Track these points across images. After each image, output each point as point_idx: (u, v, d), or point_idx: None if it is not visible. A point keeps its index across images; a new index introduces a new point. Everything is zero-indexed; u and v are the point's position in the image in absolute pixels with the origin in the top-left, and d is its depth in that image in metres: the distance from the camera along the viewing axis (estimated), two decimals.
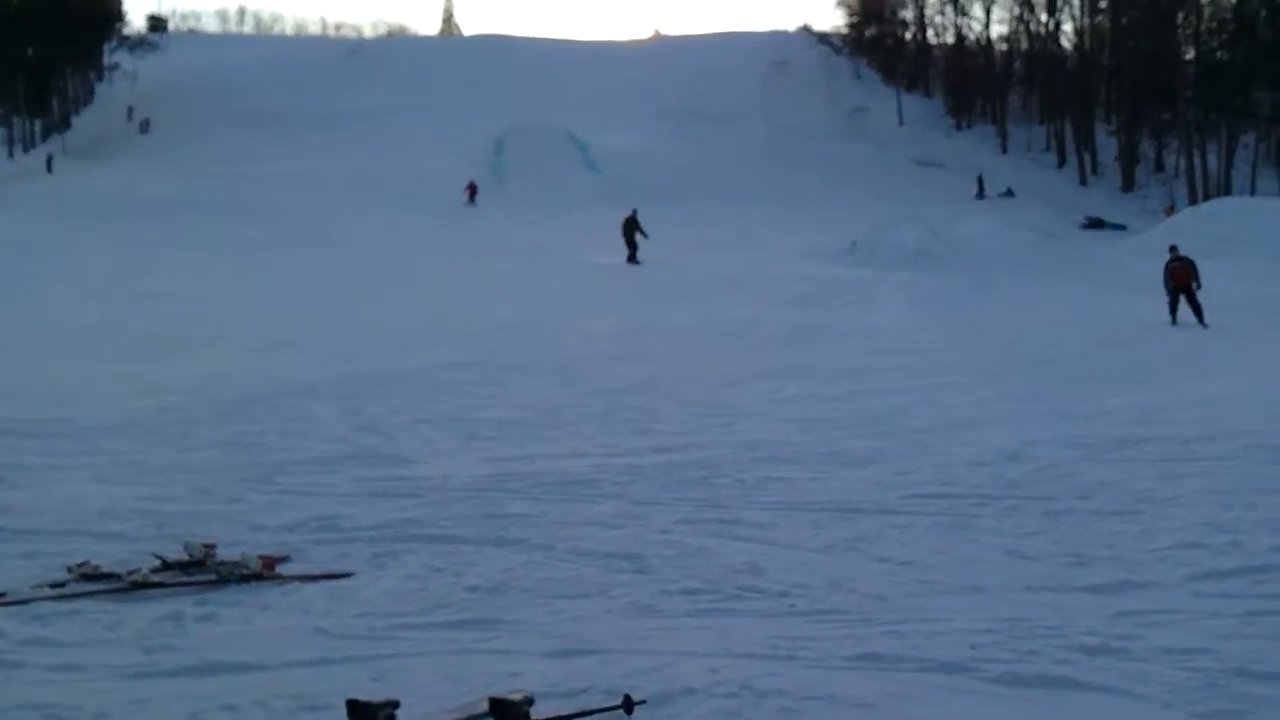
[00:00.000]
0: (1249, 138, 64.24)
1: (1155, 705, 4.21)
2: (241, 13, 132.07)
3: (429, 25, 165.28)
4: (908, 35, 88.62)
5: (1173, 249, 21.12)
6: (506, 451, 9.17)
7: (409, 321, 18.81)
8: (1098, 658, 4.62)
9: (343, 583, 5.78)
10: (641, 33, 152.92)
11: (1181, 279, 20.10)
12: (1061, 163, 70.82)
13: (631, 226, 29.67)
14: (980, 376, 13.54)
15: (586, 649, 4.76)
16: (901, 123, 77.38)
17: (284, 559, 6.13)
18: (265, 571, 5.84)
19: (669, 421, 10.65)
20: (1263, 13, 65.59)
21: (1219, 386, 12.85)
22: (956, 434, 9.81)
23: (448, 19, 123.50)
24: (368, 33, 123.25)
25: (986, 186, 59.82)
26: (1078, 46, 74.92)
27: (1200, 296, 19.76)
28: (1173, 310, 19.97)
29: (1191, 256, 20.50)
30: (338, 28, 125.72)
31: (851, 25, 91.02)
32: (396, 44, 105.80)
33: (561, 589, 5.62)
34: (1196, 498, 7.44)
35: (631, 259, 29.03)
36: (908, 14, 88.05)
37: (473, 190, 47.70)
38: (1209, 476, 8.07)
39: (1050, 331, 18.10)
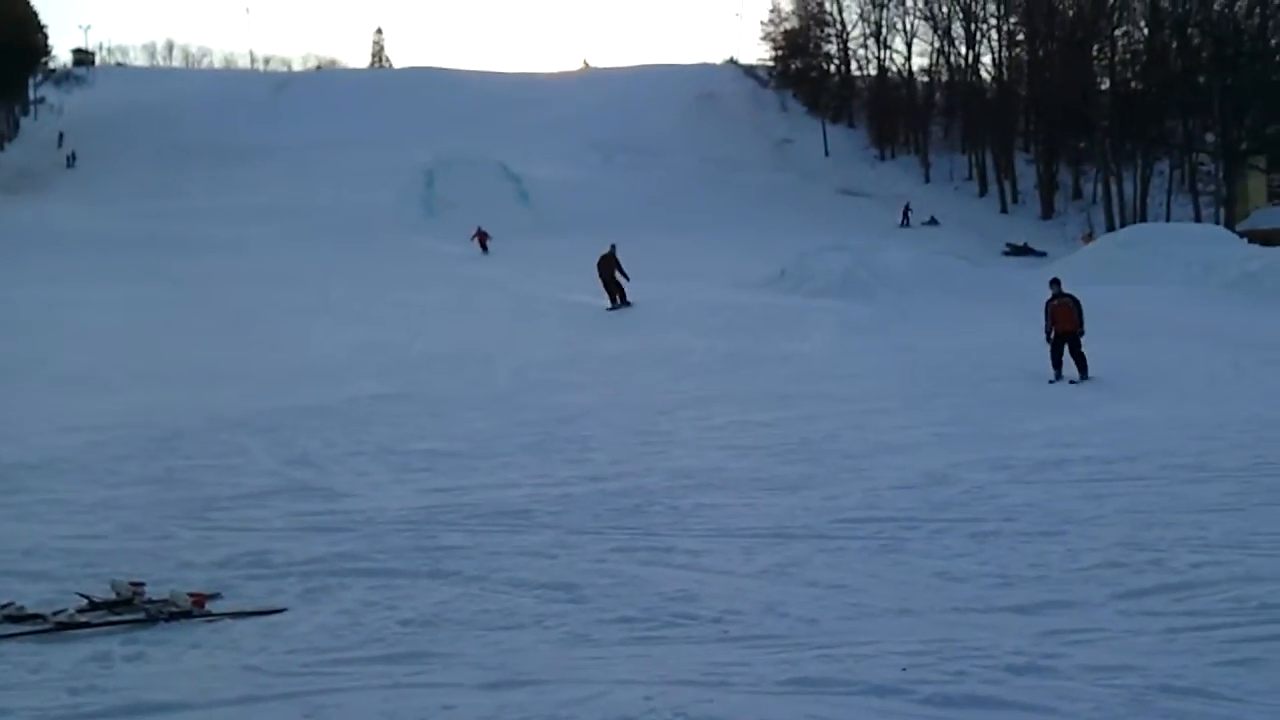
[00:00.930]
0: (1163, 165, 65.88)
1: None
2: (169, 47, 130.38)
3: (359, 58, 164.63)
4: (832, 68, 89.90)
5: (1054, 284, 17.80)
6: (441, 483, 9.15)
7: (342, 354, 18.66)
8: (1024, 677, 4.71)
9: (274, 619, 5.72)
10: (570, 65, 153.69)
11: (1065, 322, 16.88)
12: (983, 191, 72.14)
13: (610, 265, 25.65)
14: (907, 401, 13.74)
15: (521, 680, 4.76)
16: (827, 153, 78.45)
17: (214, 596, 6.06)
18: (195, 609, 5.76)
19: (603, 450, 10.68)
20: (1174, 44, 67.47)
21: (1138, 409, 13.16)
22: (885, 458, 9.95)
23: (377, 52, 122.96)
24: (297, 66, 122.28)
25: (912, 215, 60.76)
26: (996, 78, 76.54)
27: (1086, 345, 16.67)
28: (1056, 362, 16.47)
29: (1076, 295, 17.33)
30: (267, 61, 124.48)
31: (777, 58, 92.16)
32: (326, 77, 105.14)
33: (496, 620, 5.61)
34: (1118, 517, 7.61)
35: (618, 302, 25.12)
36: (832, 47, 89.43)
37: (482, 238, 42.54)
38: (1130, 496, 8.26)
39: (974, 356, 18.38)
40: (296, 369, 16.98)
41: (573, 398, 14.20)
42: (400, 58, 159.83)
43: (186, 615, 5.71)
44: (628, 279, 25.30)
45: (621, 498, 8.43)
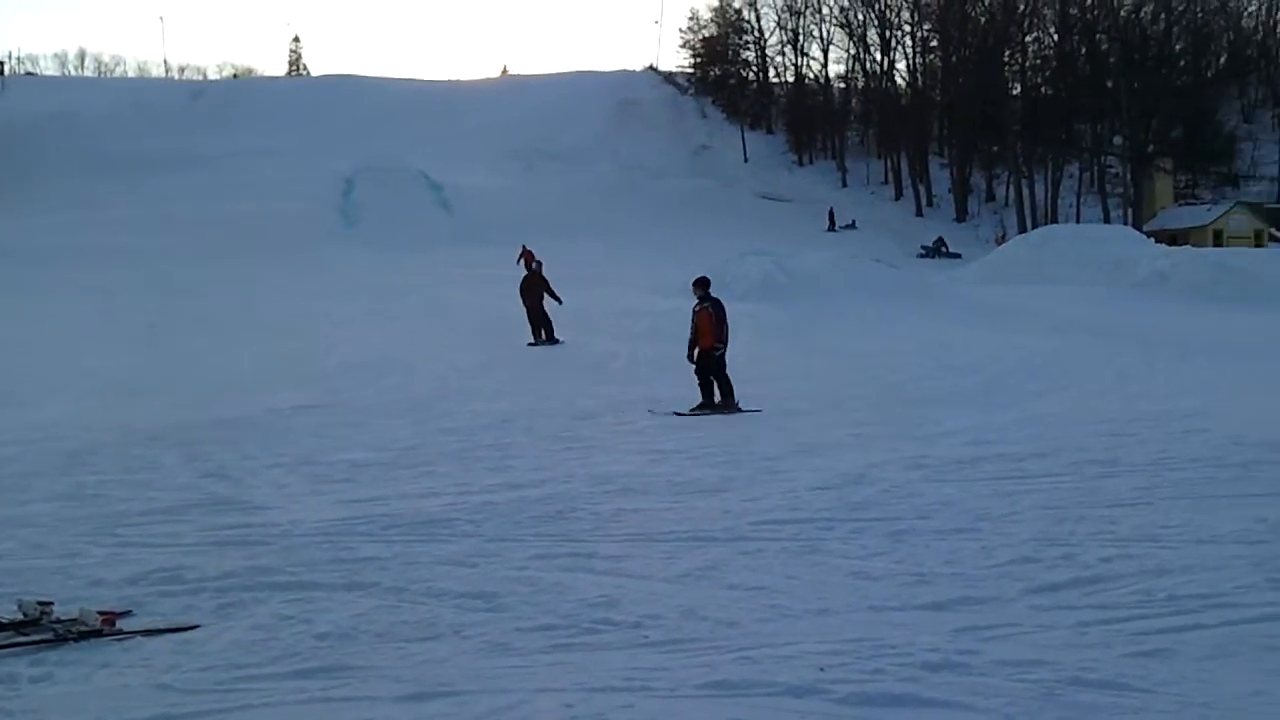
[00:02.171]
0: (1073, 168, 67.48)
1: (996, 718, 4.34)
2: (81, 55, 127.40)
3: (276, 66, 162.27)
4: (750, 75, 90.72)
5: (700, 284, 14.71)
6: (359, 494, 9.04)
7: (259, 365, 18.41)
8: (940, 673, 4.76)
9: (187, 636, 5.60)
10: (490, 72, 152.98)
11: (705, 335, 14.06)
12: (899, 195, 73.24)
13: (537, 289, 21.50)
14: (826, 403, 13.88)
15: (440, 691, 4.71)
16: (746, 159, 79.10)
17: (125, 614, 5.92)
18: (105, 628, 5.62)
19: (524, 457, 10.64)
20: (1083, 50, 69.09)
21: (1051, 405, 13.43)
22: (803, 459, 10.04)
23: (295, 60, 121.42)
24: (212, 75, 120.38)
25: (837, 220, 61.52)
26: (911, 84, 77.86)
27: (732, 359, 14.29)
28: (704, 387, 13.95)
29: (722, 300, 14.68)
30: (182, 70, 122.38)
31: (696, 65, 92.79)
32: (243, 85, 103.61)
33: (414, 631, 5.55)
34: (1031, 513, 7.74)
35: (542, 337, 21.29)
36: (750, 54, 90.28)
37: (529, 258, 35.62)
38: (1043, 492, 8.41)
39: (892, 358, 18.64)
40: (214, 381, 16.72)
41: (494, 405, 14.15)
42: (318, 65, 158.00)
43: (96, 634, 5.57)
44: (560, 302, 21.67)
45: (542, 504, 8.40)
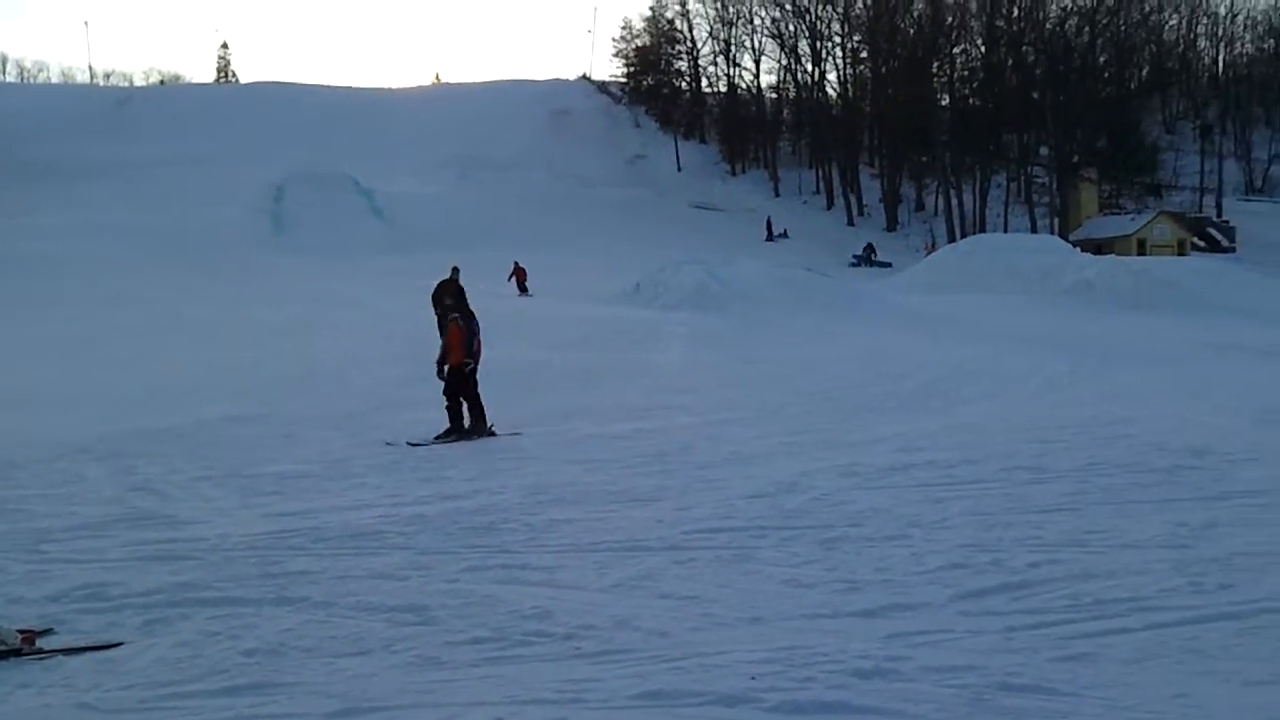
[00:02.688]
0: (1001, 178, 68.56)
1: None
2: (3, 61, 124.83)
3: (204, 73, 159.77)
4: (683, 85, 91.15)
5: (448, 292, 14.12)
6: (289, 506, 8.92)
7: (188, 375, 18.14)
8: (870, 680, 4.79)
9: (110, 654, 5.49)
10: (423, 79, 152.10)
11: (455, 351, 12.80)
12: (830, 204, 73.91)
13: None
14: (759, 411, 13.95)
15: (369, 707, 4.66)
16: (680, 169, 79.41)
17: (46, 632, 5.79)
18: (24, 646, 5.49)
19: (457, 468, 10.57)
20: (1009, 62, 70.28)
21: (980, 413, 13.60)
22: (737, 468, 10.07)
23: (223, 67, 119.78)
24: (139, 81, 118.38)
25: (774, 230, 61.88)
26: (841, 95, 78.66)
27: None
28: (453, 409, 12.67)
29: (475, 312, 13.30)
30: (107, 76, 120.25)
31: (629, 75, 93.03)
32: (170, 92, 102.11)
33: (343, 646, 5.48)
34: (961, 519, 7.82)
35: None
36: (683, 64, 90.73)
37: (521, 276, 36.89)
38: (972, 499, 8.50)
39: (824, 366, 18.78)
40: (143, 391, 16.45)
41: (428, 415, 14.02)
42: (248, 72, 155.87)
43: (15, 653, 5.44)
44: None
45: (475, 515, 8.35)
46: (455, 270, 18.27)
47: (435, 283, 18.84)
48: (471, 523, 8.12)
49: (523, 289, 36.17)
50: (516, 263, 37.22)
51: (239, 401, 15.22)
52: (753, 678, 4.81)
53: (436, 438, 12.41)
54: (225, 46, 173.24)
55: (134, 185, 61.34)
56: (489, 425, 12.70)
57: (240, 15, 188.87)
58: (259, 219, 55.11)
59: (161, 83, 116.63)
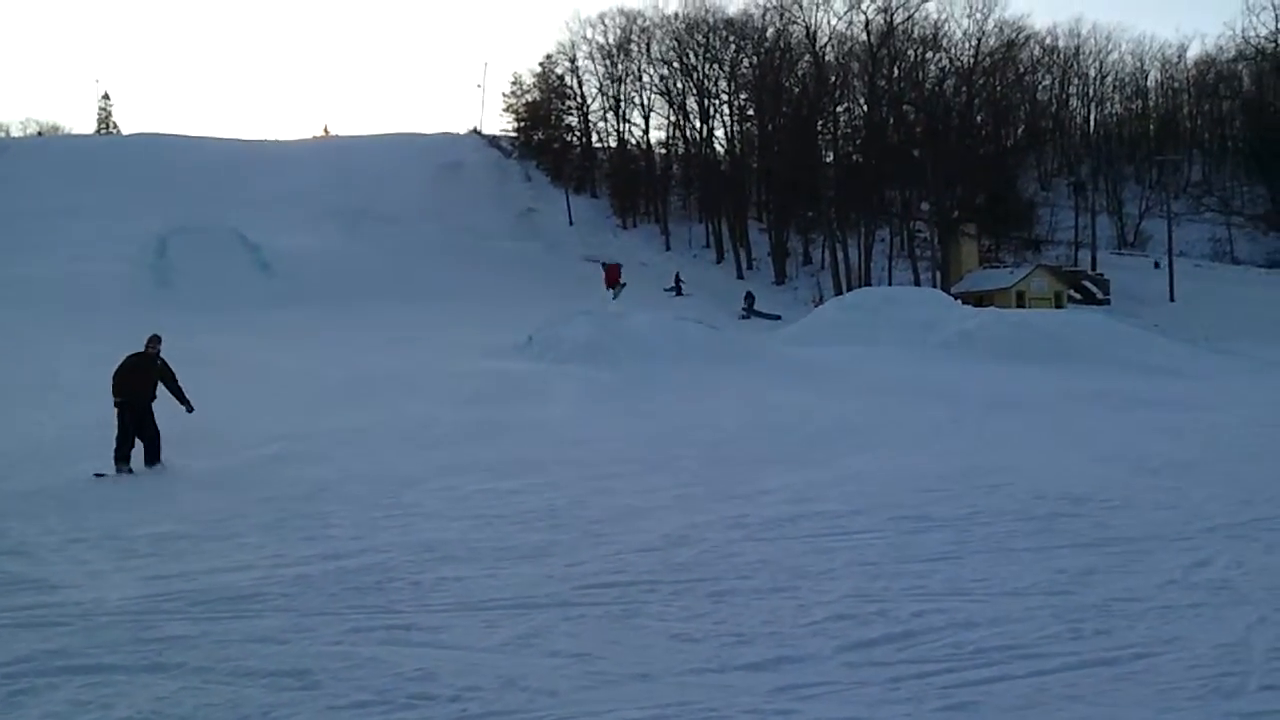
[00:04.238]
0: (884, 233, 70.18)
1: None
2: None
3: (84, 124, 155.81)
4: (574, 139, 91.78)
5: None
6: (166, 569, 8.63)
7: (67, 433, 17.54)
8: None
9: None
10: (310, 131, 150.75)
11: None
12: (720, 258, 74.80)
13: (149, 375, 14.70)
14: (650, 464, 13.96)
15: None
16: (571, 222, 79.72)
17: None
18: None
19: (343, 526, 10.35)
20: (891, 120, 72.20)
21: (867, 463, 13.80)
22: (628, 522, 10.04)
23: (104, 118, 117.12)
24: (15, 131, 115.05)
25: (673, 282, 62.19)
26: (729, 151, 79.90)
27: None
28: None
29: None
30: None
31: (520, 129, 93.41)
32: (48, 143, 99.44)
33: (220, 714, 5.31)
34: (847, 570, 7.91)
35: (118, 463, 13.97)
36: (573, 119, 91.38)
37: (614, 273, 37.82)
38: (858, 549, 8.61)
39: (714, 417, 18.89)
40: (13, 451, 15.85)
41: (313, 471, 13.76)
42: (129, 123, 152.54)
43: None
44: (189, 409, 15.16)
45: (361, 575, 8.18)
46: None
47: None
48: (356, 582, 7.96)
49: (615, 285, 36.25)
50: (604, 263, 37.86)
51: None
52: None
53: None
54: (106, 97, 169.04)
55: (9, 237, 59.53)
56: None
57: (122, 65, 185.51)
58: (141, 272, 53.86)
59: (40, 134, 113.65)
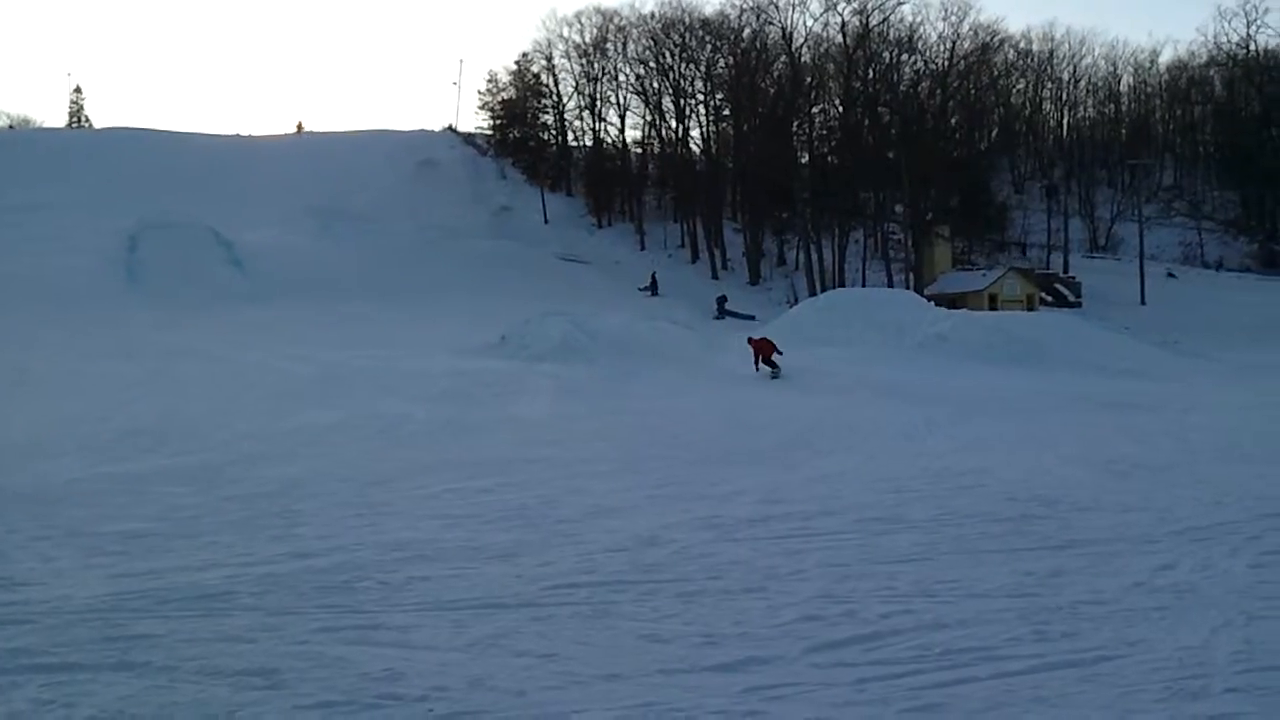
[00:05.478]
0: (858, 234, 70.36)
1: None
2: None
3: (56, 117, 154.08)
4: (549, 138, 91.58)
5: None
6: (134, 567, 8.57)
7: (35, 429, 17.35)
8: None
9: None
10: (284, 128, 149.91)
11: None
12: (695, 258, 74.73)
13: None
14: (622, 464, 13.96)
15: None
16: (546, 221, 79.48)
17: None
18: None
19: (312, 525, 10.30)
20: (866, 122, 72.42)
21: (838, 464, 13.84)
22: (599, 521, 10.04)
23: (76, 111, 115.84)
24: None
25: (648, 282, 62.05)
26: (705, 151, 79.91)
27: None
28: None
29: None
30: None
31: (495, 127, 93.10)
32: (18, 136, 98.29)
33: (185, 713, 5.28)
34: (817, 571, 7.93)
35: None
36: (549, 118, 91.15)
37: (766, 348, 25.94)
38: (828, 550, 8.63)
39: (687, 417, 18.90)
40: None
41: (283, 470, 13.69)
42: (101, 117, 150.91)
43: None
44: None
45: (329, 574, 8.14)
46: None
47: None
48: (325, 581, 7.92)
49: (769, 364, 26.52)
50: (751, 338, 28.32)
51: (86, 456, 14.64)
52: None
53: None
54: (79, 90, 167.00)
55: None
56: None
57: (95, 58, 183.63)
58: (113, 268, 53.33)
59: (10, 127, 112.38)
